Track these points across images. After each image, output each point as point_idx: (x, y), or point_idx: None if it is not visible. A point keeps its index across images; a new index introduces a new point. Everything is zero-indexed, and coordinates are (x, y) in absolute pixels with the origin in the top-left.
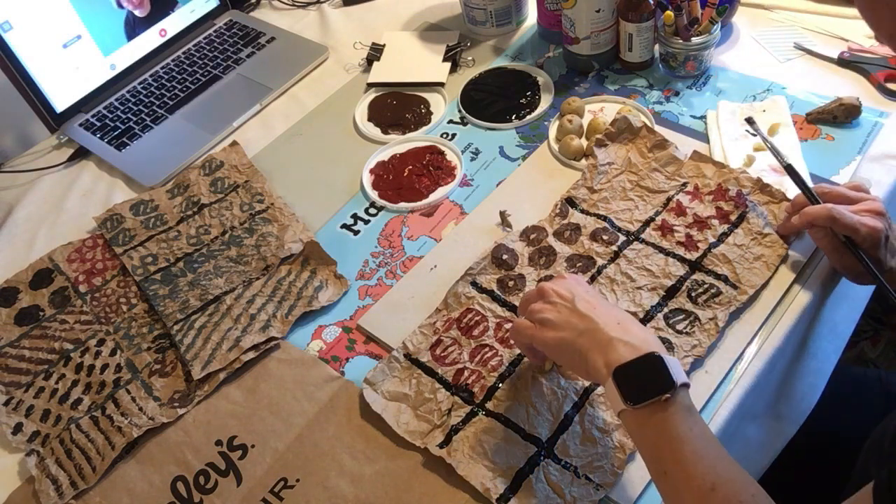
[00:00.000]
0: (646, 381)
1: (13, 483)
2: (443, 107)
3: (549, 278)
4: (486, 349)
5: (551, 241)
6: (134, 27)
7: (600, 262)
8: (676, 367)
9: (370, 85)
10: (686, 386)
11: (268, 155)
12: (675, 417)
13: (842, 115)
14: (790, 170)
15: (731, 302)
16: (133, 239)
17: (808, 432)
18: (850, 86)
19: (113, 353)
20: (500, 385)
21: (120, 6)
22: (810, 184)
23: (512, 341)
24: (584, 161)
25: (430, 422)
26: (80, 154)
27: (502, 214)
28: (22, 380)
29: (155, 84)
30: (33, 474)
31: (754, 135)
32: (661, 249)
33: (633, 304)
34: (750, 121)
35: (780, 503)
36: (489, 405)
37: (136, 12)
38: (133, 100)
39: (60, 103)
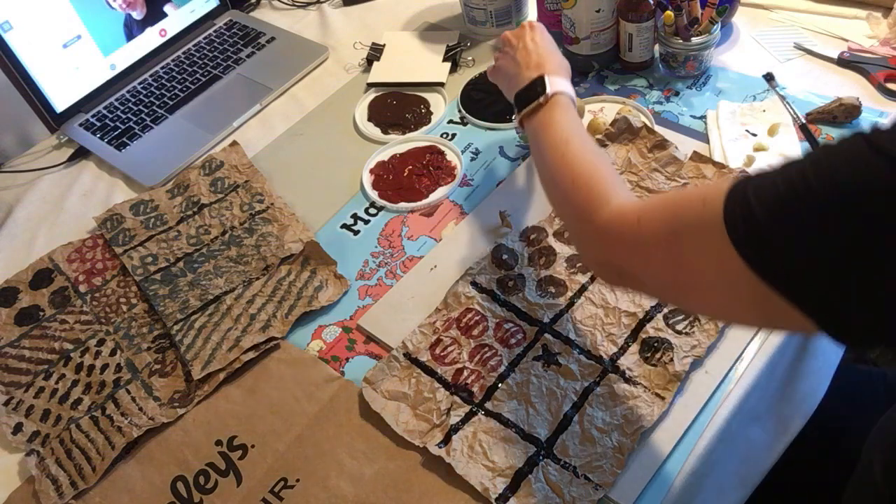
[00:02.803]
0: (528, 96)
1: (13, 483)
2: (443, 107)
3: (548, 279)
4: (486, 349)
5: (551, 241)
6: (133, 27)
7: None
8: (560, 83)
9: (370, 85)
10: (563, 94)
11: (268, 155)
12: (548, 112)
13: (842, 115)
14: (805, 129)
15: None
16: (133, 239)
17: (812, 431)
18: (850, 86)
19: (113, 353)
20: (500, 385)
21: (111, 7)
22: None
23: None
24: None
25: (429, 421)
26: (80, 154)
27: (502, 214)
28: (22, 380)
29: (155, 84)
30: (33, 474)
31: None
32: None
33: (633, 304)
34: (769, 76)
35: (784, 502)
36: (488, 405)
37: (133, 14)
38: (133, 100)
39: (60, 103)
